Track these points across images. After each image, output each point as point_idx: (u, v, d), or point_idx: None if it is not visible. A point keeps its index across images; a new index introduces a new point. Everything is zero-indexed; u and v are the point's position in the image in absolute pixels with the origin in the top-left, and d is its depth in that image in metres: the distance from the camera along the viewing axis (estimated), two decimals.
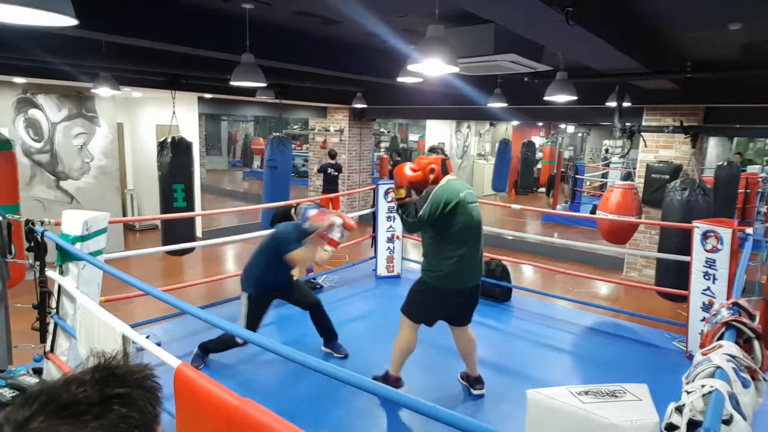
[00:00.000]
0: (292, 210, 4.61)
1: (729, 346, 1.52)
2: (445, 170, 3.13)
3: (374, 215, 5.77)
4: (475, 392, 3.35)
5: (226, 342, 3.54)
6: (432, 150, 3.26)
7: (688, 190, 4.75)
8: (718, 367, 1.41)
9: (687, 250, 4.10)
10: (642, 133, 5.92)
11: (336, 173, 8.94)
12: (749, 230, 3.89)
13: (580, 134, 18.44)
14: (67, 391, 0.61)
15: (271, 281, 3.61)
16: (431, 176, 3.11)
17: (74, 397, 0.60)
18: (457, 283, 3.07)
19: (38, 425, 0.57)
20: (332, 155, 9.21)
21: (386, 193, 5.67)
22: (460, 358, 3.83)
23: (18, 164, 4.94)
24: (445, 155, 3.21)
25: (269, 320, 4.55)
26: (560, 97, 4.46)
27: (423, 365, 3.60)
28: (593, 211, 9.49)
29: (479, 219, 3.13)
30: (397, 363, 3.25)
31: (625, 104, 5.49)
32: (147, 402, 0.65)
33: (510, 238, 7.90)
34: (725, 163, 7.68)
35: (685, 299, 4.14)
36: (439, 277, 3.04)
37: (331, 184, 8.89)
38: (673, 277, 4.56)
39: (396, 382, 3.22)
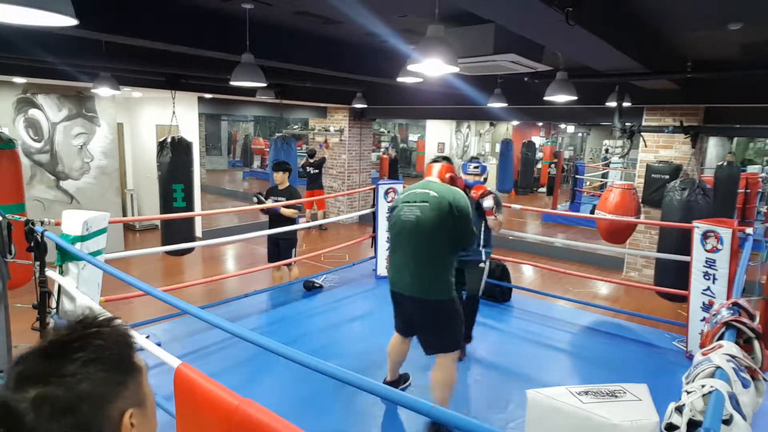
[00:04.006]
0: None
1: (729, 346, 1.52)
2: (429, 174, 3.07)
3: (374, 215, 5.77)
4: None
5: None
6: None
7: (687, 190, 4.75)
8: (718, 367, 1.41)
9: (686, 250, 4.10)
10: (642, 133, 5.92)
11: (315, 171, 9.35)
12: (749, 230, 3.88)
13: (580, 134, 18.46)
14: (45, 341, 0.71)
15: None
16: None
17: (51, 343, 0.70)
18: (392, 284, 2.92)
19: (33, 371, 0.67)
20: (310, 154, 9.47)
21: (386, 193, 5.66)
22: (461, 359, 3.83)
23: None
24: (437, 159, 3.10)
25: (269, 320, 4.57)
26: (560, 97, 4.45)
27: (425, 366, 3.59)
28: (593, 211, 9.50)
29: (413, 221, 2.73)
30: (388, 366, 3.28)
31: (625, 104, 5.49)
32: (118, 335, 0.75)
33: (510, 238, 7.90)
34: (725, 163, 7.68)
35: (684, 299, 4.13)
36: None
37: (312, 181, 9.34)
38: (673, 277, 4.55)
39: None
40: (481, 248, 3.95)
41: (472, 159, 4.01)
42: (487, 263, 3.99)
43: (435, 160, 3.09)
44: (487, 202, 3.72)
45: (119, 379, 0.72)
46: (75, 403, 0.67)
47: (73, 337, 0.71)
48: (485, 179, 3.96)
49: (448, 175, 2.98)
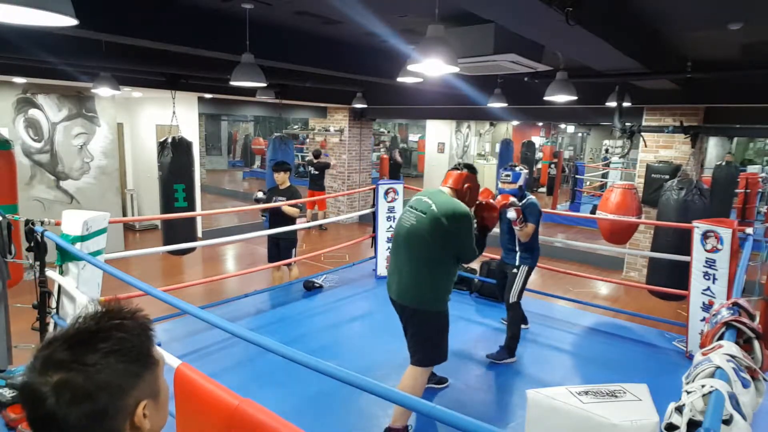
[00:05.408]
0: None
1: (729, 346, 1.52)
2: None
3: (374, 215, 5.77)
4: None
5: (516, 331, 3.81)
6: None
7: (684, 190, 4.75)
8: (718, 367, 1.41)
9: (681, 249, 4.09)
10: (642, 133, 5.92)
11: (316, 172, 9.30)
12: (749, 230, 3.89)
13: (580, 134, 18.46)
14: (73, 328, 0.75)
15: None
16: None
17: (78, 331, 0.74)
18: (387, 288, 2.92)
19: (58, 357, 0.71)
20: (315, 155, 9.48)
21: (386, 193, 5.67)
22: (461, 359, 3.83)
23: (18, 164, 4.94)
24: (457, 166, 3.00)
25: (269, 320, 4.57)
26: (560, 97, 4.45)
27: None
28: (593, 211, 9.50)
29: (408, 228, 2.73)
30: None
31: (625, 104, 5.49)
32: (140, 328, 0.79)
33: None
34: (723, 163, 7.68)
35: (678, 298, 4.12)
36: None
37: (314, 182, 9.33)
38: (666, 275, 4.56)
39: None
40: (516, 252, 3.86)
41: (506, 167, 3.86)
42: (523, 269, 3.83)
43: (455, 168, 2.98)
44: (510, 214, 3.64)
45: (137, 370, 0.77)
46: (93, 391, 0.71)
47: (98, 328, 0.75)
48: (521, 186, 3.83)
49: (466, 186, 2.87)
